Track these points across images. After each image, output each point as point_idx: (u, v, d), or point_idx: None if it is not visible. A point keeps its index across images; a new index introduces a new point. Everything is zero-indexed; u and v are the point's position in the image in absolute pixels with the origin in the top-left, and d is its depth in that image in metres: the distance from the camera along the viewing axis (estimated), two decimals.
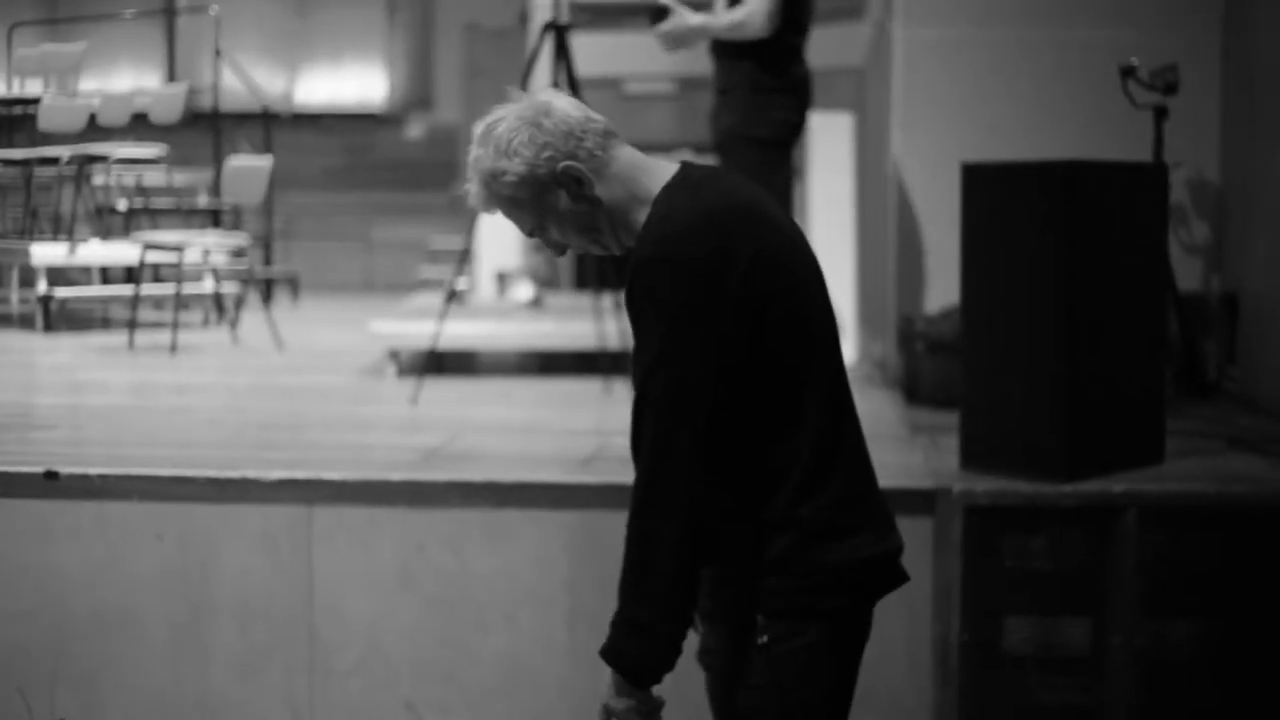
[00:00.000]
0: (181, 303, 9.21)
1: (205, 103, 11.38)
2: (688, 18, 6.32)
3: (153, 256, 9.13)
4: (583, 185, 2.72)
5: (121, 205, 10.56)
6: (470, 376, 7.65)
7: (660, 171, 2.75)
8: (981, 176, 4.87)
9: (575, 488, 4.82)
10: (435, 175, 15.57)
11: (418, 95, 17.08)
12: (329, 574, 4.85)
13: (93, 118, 9.90)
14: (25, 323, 9.80)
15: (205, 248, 9.17)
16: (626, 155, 2.77)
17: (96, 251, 9.81)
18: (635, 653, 2.63)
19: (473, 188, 2.77)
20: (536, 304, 9.20)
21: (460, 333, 7.55)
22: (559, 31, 6.66)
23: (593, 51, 7.13)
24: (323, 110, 16.83)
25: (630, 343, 2.70)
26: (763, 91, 6.32)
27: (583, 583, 4.74)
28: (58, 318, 9.57)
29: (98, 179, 10.32)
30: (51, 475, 4.89)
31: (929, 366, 6.30)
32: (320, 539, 4.84)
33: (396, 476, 4.88)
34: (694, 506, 2.60)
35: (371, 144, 16.76)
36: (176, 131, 10.39)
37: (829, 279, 2.83)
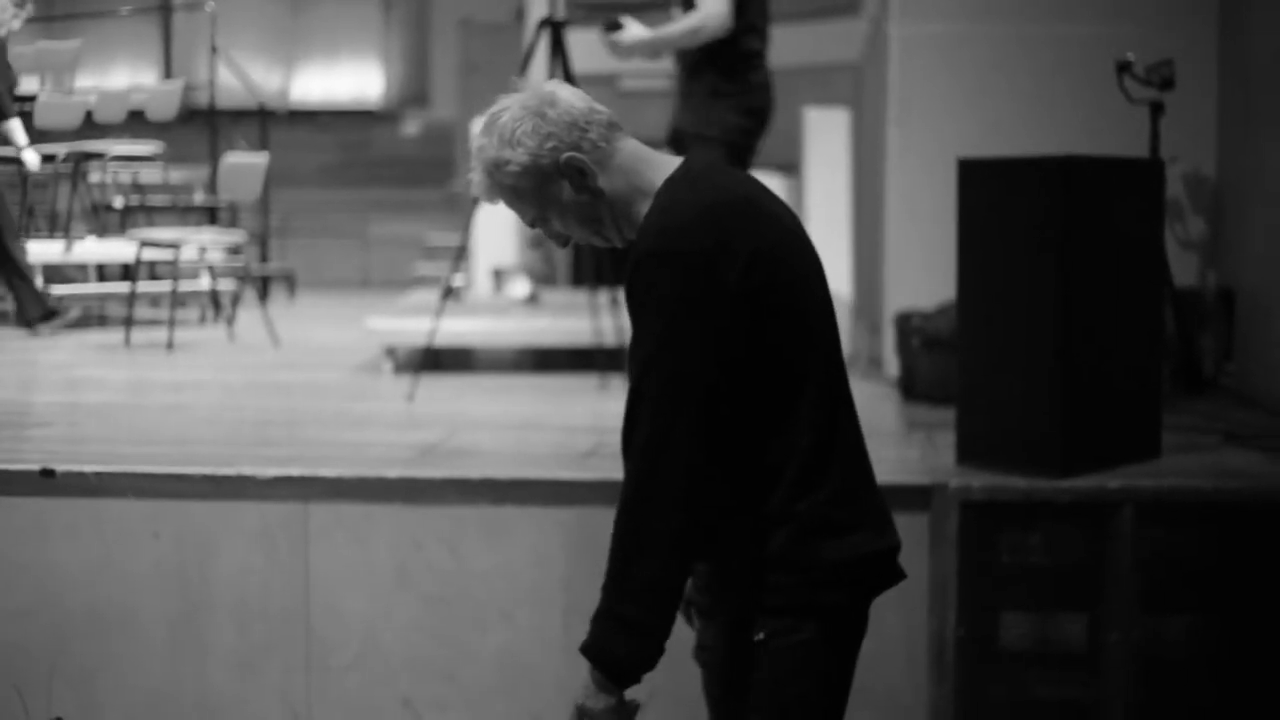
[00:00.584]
0: (178, 300, 9.22)
1: (201, 100, 11.39)
2: (637, 29, 6.30)
3: (149, 254, 9.13)
4: (586, 176, 2.72)
5: (118, 202, 10.56)
6: (467, 373, 7.64)
7: (663, 164, 2.75)
8: (977, 172, 4.87)
9: (572, 484, 4.82)
10: (431, 172, 15.58)
11: (413, 92, 17.09)
12: (326, 571, 4.85)
13: (89, 115, 9.92)
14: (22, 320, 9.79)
15: (201, 245, 9.17)
16: (630, 147, 2.77)
17: (93, 249, 9.82)
18: (622, 650, 2.60)
19: (476, 177, 2.77)
20: (533, 300, 9.20)
21: (457, 329, 7.56)
22: (555, 27, 6.66)
23: (589, 47, 7.12)
24: (319, 107, 16.83)
25: (627, 338, 2.70)
26: (722, 97, 6.34)
27: (580, 579, 4.74)
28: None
29: (94, 176, 10.33)
30: (48, 473, 4.89)
31: (925, 363, 6.30)
32: (317, 536, 4.84)
33: (393, 473, 4.88)
34: (689, 502, 2.59)
35: (367, 141, 16.77)
36: (173, 128, 10.42)
37: (826, 274, 2.83)
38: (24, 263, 8.90)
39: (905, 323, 6.50)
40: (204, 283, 9.89)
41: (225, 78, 10.70)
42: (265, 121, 11.55)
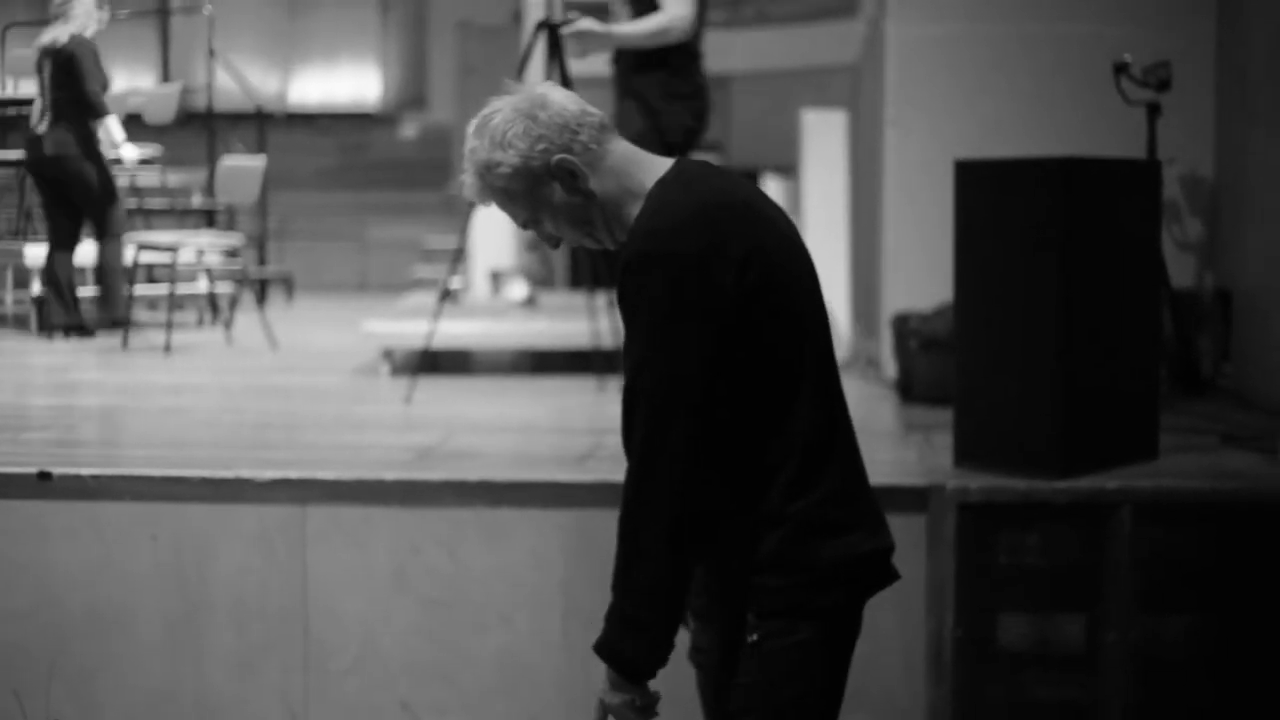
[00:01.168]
0: (176, 303, 9.21)
1: (199, 103, 11.37)
2: (588, 22, 6.32)
3: (147, 257, 9.13)
4: (577, 178, 2.72)
5: None
6: (464, 375, 7.65)
7: (655, 166, 2.76)
8: (974, 173, 4.86)
9: (570, 486, 4.82)
10: (429, 174, 15.58)
11: (411, 94, 17.09)
12: (324, 574, 4.85)
13: None
14: (19, 324, 9.80)
15: (199, 248, 9.17)
16: (621, 149, 2.77)
17: (90, 252, 9.81)
18: (629, 648, 2.64)
19: (468, 179, 2.78)
20: (530, 303, 9.20)
21: (454, 332, 7.56)
22: (552, 30, 6.66)
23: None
24: (317, 110, 16.83)
25: (623, 340, 2.71)
26: (677, 99, 6.42)
27: (578, 582, 4.74)
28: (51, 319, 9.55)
29: None
30: (45, 476, 4.88)
31: (923, 364, 6.30)
32: (315, 539, 4.84)
33: (391, 476, 4.88)
34: (686, 501, 2.60)
35: (365, 143, 16.77)
36: (171, 132, 10.40)
37: (823, 276, 2.83)
38: (68, 273, 8.94)
39: (903, 324, 6.50)
40: (202, 286, 9.89)
41: (223, 81, 10.70)
42: (263, 124, 11.55)
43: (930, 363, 6.22)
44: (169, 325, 8.69)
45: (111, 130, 9.04)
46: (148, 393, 7.17)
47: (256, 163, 9.58)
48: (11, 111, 10.35)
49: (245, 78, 11.37)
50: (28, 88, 10.43)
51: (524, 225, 2.83)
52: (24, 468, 4.94)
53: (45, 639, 4.89)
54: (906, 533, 4.52)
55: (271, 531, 4.85)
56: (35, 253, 9.46)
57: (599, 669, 2.71)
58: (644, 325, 2.61)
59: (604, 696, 2.70)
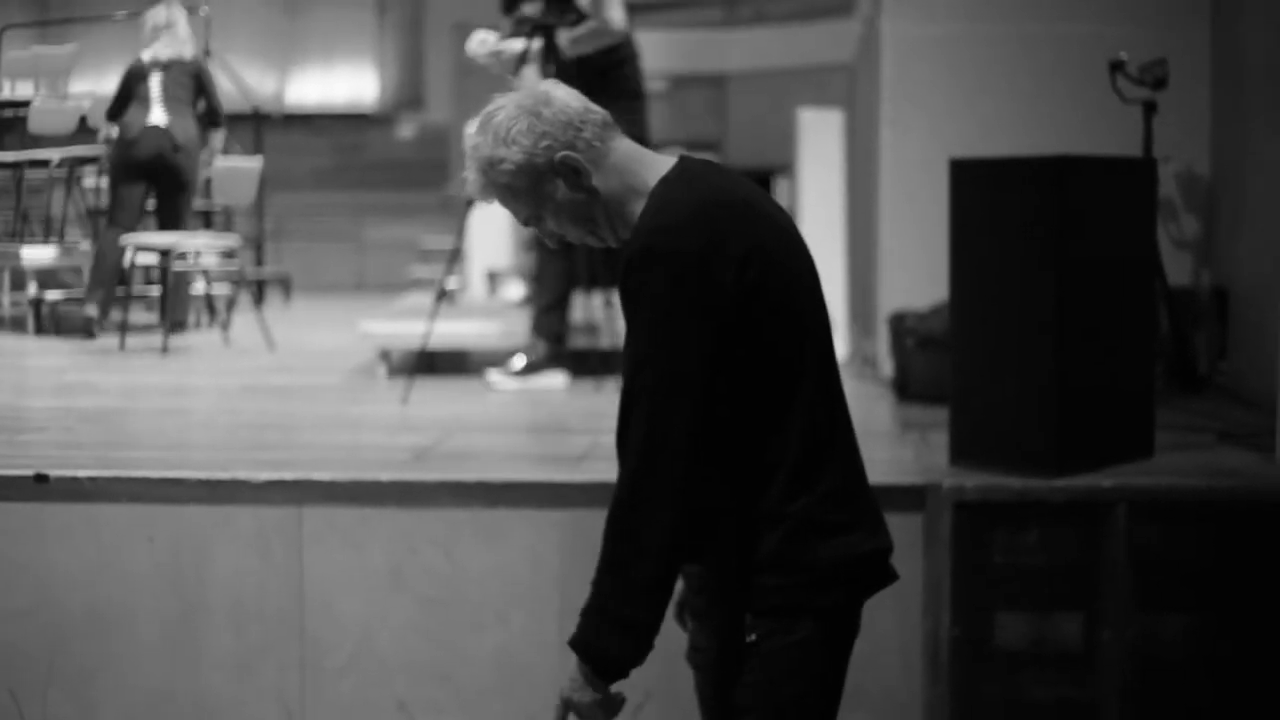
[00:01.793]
0: (182, 304, 9.22)
1: None
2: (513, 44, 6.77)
3: (143, 258, 9.12)
4: (580, 176, 2.72)
5: None
6: (461, 376, 7.64)
7: (657, 164, 2.76)
8: (969, 172, 4.87)
9: (567, 486, 4.82)
10: (426, 175, 15.57)
11: (408, 95, 17.08)
12: (320, 574, 4.85)
13: (83, 120, 9.90)
14: (16, 325, 9.79)
15: (196, 249, 9.16)
16: (624, 147, 2.77)
17: (87, 254, 9.81)
18: (613, 646, 2.62)
19: (471, 176, 2.78)
20: (527, 303, 9.19)
21: (451, 332, 7.56)
22: (547, 30, 6.67)
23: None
24: (313, 111, 16.80)
25: (622, 340, 2.71)
26: (641, 97, 6.72)
27: (575, 581, 4.70)
28: (48, 320, 9.56)
29: (88, 181, 10.29)
30: (41, 478, 4.89)
31: (919, 362, 6.31)
32: (311, 539, 4.84)
33: (387, 476, 4.88)
34: (684, 500, 2.59)
35: (362, 144, 16.75)
36: None
37: (819, 275, 2.83)
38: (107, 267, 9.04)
39: (899, 323, 6.51)
40: (199, 287, 9.88)
41: (220, 81, 10.68)
42: (260, 125, 11.53)
43: (927, 361, 6.22)
44: (166, 327, 8.68)
45: (219, 140, 9.52)
46: (145, 394, 7.17)
47: (253, 163, 9.58)
48: (8, 113, 10.35)
49: (242, 78, 11.36)
50: (24, 89, 10.45)
51: (526, 223, 2.83)
52: (21, 470, 4.94)
53: (43, 640, 4.89)
54: (903, 532, 4.50)
55: (268, 532, 4.85)
56: (32, 254, 9.46)
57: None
58: (645, 322, 2.61)
59: (571, 694, 2.66)
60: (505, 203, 2.80)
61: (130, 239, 9.02)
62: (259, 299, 10.84)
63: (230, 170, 9.37)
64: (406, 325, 7.56)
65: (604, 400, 6.47)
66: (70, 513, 4.89)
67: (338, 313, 11.12)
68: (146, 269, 9.80)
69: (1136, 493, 4.63)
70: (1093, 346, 4.79)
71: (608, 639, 2.62)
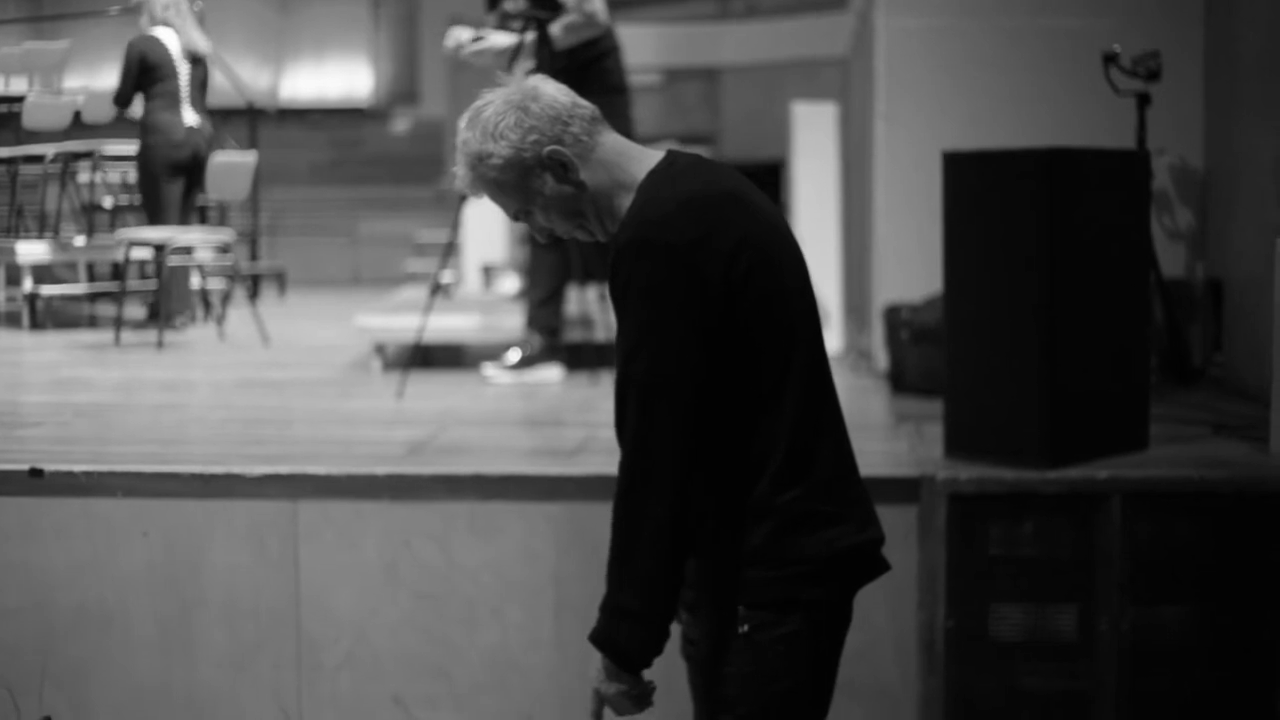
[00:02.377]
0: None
1: None
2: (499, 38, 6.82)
3: (138, 253, 9.12)
4: (568, 170, 2.73)
5: (107, 202, 10.54)
6: (456, 370, 7.64)
7: (645, 158, 2.77)
8: (962, 164, 4.87)
9: (562, 480, 4.81)
10: (421, 169, 15.57)
11: (403, 89, 17.08)
12: (315, 569, 4.85)
13: (77, 115, 9.90)
14: (11, 321, 9.79)
15: (191, 244, 9.16)
16: (612, 141, 2.78)
17: (82, 249, 9.82)
18: (624, 638, 2.64)
19: (460, 170, 2.79)
20: (522, 297, 9.19)
21: (446, 326, 7.56)
22: (540, 24, 6.67)
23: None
24: (308, 105, 16.81)
25: (615, 333, 2.71)
26: (623, 91, 6.73)
27: (570, 575, 4.74)
28: (44, 315, 9.56)
29: (83, 176, 10.30)
30: (36, 473, 4.88)
31: (914, 355, 6.31)
32: (306, 534, 4.84)
33: (382, 470, 4.88)
34: (679, 490, 2.60)
35: (357, 139, 16.76)
36: None
37: (814, 268, 2.84)
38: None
39: (894, 315, 6.51)
40: (194, 282, 9.88)
41: (214, 76, 10.68)
42: (254, 120, 11.54)
43: (921, 354, 6.22)
44: (161, 322, 8.68)
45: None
46: (140, 389, 7.17)
47: (248, 158, 9.58)
48: (2, 108, 10.35)
49: (236, 73, 11.35)
50: (18, 85, 10.44)
51: (515, 217, 2.84)
52: (16, 464, 4.94)
53: (38, 636, 4.89)
54: (898, 524, 4.54)
55: (263, 527, 4.85)
56: (27, 250, 9.46)
57: (591, 661, 2.71)
58: (634, 316, 2.62)
59: (599, 686, 2.70)
60: (494, 197, 2.81)
61: (125, 234, 9.02)
62: (254, 294, 10.85)
63: (225, 165, 9.36)
64: (401, 319, 7.56)
65: (599, 393, 6.47)
66: (65, 507, 4.89)
67: (333, 307, 11.12)
68: (141, 264, 9.79)
69: (1131, 484, 4.63)
70: (1087, 339, 4.80)
71: (619, 630, 2.65)
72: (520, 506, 4.80)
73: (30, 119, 9.78)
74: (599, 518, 2.67)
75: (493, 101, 2.76)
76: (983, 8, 6.90)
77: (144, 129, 9.14)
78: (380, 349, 7.63)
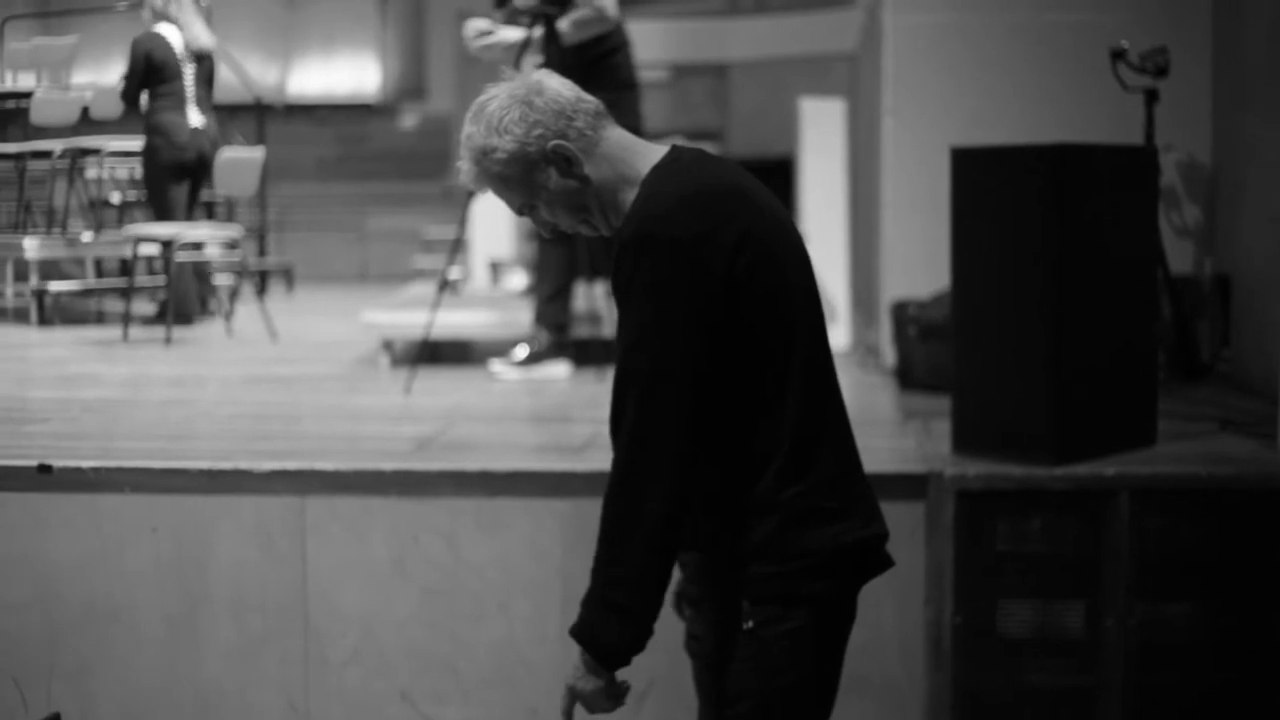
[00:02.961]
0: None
1: None
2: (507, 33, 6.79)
3: (146, 249, 9.13)
4: (572, 164, 2.74)
5: (115, 198, 10.55)
6: (464, 366, 7.64)
7: (650, 153, 2.77)
8: (970, 160, 4.86)
9: (569, 475, 4.82)
10: (429, 165, 15.57)
11: (411, 85, 17.07)
12: (323, 564, 4.85)
13: (85, 111, 9.91)
14: (19, 317, 9.80)
15: (198, 240, 9.17)
16: (616, 136, 2.79)
17: (90, 245, 9.83)
18: (611, 634, 2.63)
19: (464, 165, 2.79)
20: (530, 292, 9.19)
21: (454, 322, 7.57)
22: (548, 19, 6.67)
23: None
24: (316, 101, 16.80)
25: (616, 325, 2.72)
26: (632, 88, 6.75)
27: (577, 571, 4.70)
28: (51, 311, 9.57)
29: (91, 172, 10.31)
30: (45, 469, 4.89)
31: (921, 351, 6.30)
32: (314, 529, 4.85)
33: (390, 466, 4.88)
34: (676, 487, 2.60)
35: (365, 134, 16.75)
36: None
37: (821, 265, 2.84)
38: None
39: (901, 312, 6.50)
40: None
41: (222, 72, 10.69)
42: (262, 116, 11.54)
43: (929, 350, 6.22)
44: (169, 318, 8.69)
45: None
46: (148, 385, 7.17)
47: (256, 154, 9.58)
48: (10, 104, 10.35)
49: (244, 69, 11.36)
50: (26, 81, 10.45)
51: (519, 211, 2.84)
52: (24, 460, 4.95)
53: (45, 631, 4.90)
54: (905, 520, 4.54)
55: (271, 522, 4.85)
56: (35, 245, 9.47)
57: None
58: (637, 309, 2.62)
59: (575, 683, 2.68)
60: (498, 192, 2.81)
61: (132, 230, 9.02)
62: (262, 289, 10.85)
63: (233, 161, 9.37)
64: (409, 315, 7.56)
65: (606, 390, 6.42)
66: (73, 503, 4.90)
67: (340, 303, 11.13)
68: (149, 260, 9.80)
69: (1139, 481, 4.62)
70: (1095, 335, 4.79)
71: (604, 626, 2.63)
72: (527, 502, 4.81)
73: (38, 115, 9.79)
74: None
75: (497, 96, 2.76)
76: (991, 4, 6.89)
77: (149, 129, 9.15)
78: (388, 345, 7.63)
